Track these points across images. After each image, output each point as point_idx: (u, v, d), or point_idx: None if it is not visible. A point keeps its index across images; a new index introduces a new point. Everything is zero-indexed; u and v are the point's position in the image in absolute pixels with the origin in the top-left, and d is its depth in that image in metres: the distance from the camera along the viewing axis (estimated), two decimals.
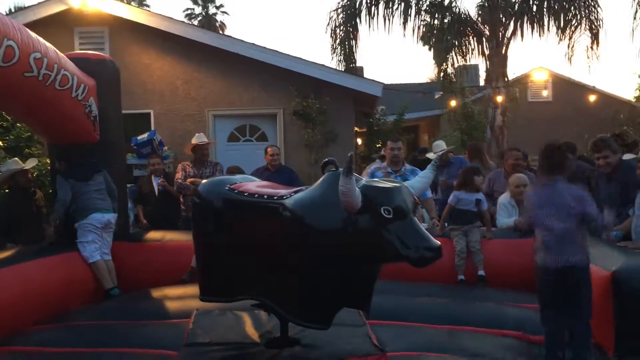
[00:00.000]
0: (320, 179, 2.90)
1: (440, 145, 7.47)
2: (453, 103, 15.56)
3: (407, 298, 4.33)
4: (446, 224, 5.11)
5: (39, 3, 8.97)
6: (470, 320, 3.87)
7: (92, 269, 4.80)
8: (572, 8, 11.33)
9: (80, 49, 8.43)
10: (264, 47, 9.22)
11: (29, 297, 3.99)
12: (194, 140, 6.63)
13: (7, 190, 5.45)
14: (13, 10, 15.73)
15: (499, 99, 11.74)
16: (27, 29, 3.98)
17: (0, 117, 6.47)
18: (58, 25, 8.82)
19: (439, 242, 2.61)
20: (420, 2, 11.81)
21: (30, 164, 5.62)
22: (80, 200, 4.85)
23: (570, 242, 3.22)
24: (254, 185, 3.29)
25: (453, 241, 4.91)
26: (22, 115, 5.19)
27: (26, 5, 9.71)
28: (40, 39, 4.11)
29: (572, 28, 11.45)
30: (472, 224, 4.98)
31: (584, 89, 19.40)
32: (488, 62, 12.15)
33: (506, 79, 12.10)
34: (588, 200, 3.27)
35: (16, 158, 5.64)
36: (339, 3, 11.89)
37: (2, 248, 4.83)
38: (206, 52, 9.15)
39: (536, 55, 60.05)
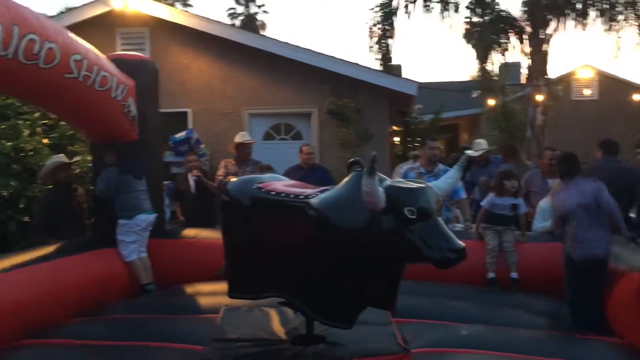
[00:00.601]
0: (345, 179, 2.91)
1: (481, 144, 7.29)
2: (491, 102, 15.28)
3: (436, 298, 4.30)
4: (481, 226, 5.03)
5: (83, 5, 9.27)
6: (496, 319, 3.83)
7: (129, 267, 4.95)
8: (618, 3, 11.00)
9: (122, 50, 8.68)
10: (299, 46, 9.28)
11: (67, 291, 4.14)
12: (237, 139, 6.71)
13: (50, 187, 5.63)
14: (64, 11, 16.25)
15: (540, 97, 11.49)
16: (68, 31, 4.11)
17: (45, 115, 6.69)
18: (101, 27, 9.08)
19: (463, 244, 2.58)
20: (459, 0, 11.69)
21: (73, 159, 5.82)
22: (130, 198, 4.99)
23: (588, 235, 3.90)
24: (281, 184, 3.32)
25: (485, 239, 4.84)
26: (64, 115, 5.36)
27: (76, 6, 10.02)
28: (81, 40, 4.24)
29: (619, 24, 11.12)
30: (507, 226, 4.90)
31: (630, 86, 18.77)
32: (529, 60, 11.92)
33: (547, 78, 11.83)
34: (603, 192, 3.92)
35: (61, 155, 5.83)
36: (376, 1, 11.89)
37: (45, 243, 5.00)
38: (242, 51, 9.27)
39: (580, 53, 58.39)
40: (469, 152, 7.68)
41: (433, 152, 5.55)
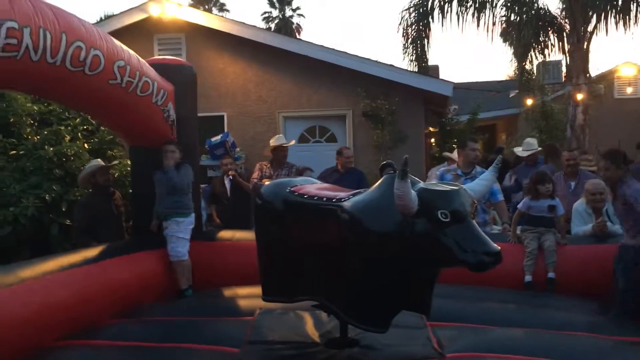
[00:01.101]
0: (378, 182, 2.90)
1: (532, 144, 7.18)
2: (529, 102, 14.95)
3: (472, 302, 4.24)
4: (518, 229, 4.93)
5: (122, 12, 9.49)
6: (534, 323, 3.76)
7: (177, 267, 5.00)
8: None
9: (159, 54, 8.85)
10: (333, 49, 9.28)
11: (106, 293, 4.23)
12: (273, 142, 6.72)
13: (90, 191, 5.77)
14: (103, 18, 16.70)
15: (580, 96, 11.18)
16: (112, 38, 4.19)
17: (86, 121, 6.87)
18: (139, 33, 9.28)
19: (499, 247, 2.53)
20: None
21: (111, 163, 5.96)
22: (189, 197, 5.15)
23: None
24: (314, 187, 3.33)
25: (524, 242, 4.74)
26: (106, 120, 5.48)
27: (114, 13, 10.28)
28: (124, 46, 4.31)
29: None
30: (548, 229, 4.79)
31: None
32: (569, 59, 11.62)
33: (588, 76, 11.50)
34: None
35: (99, 159, 5.97)
36: (410, 2, 11.77)
37: (86, 246, 5.11)
38: (277, 54, 9.33)
39: (622, 50, 56.71)
40: (517, 150, 7.54)
41: (474, 154, 5.45)
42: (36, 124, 6.73)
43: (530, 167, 6.62)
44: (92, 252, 4.64)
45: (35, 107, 6.74)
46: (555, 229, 4.82)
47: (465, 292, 4.43)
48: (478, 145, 5.56)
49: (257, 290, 3.90)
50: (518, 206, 5.00)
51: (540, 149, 7.23)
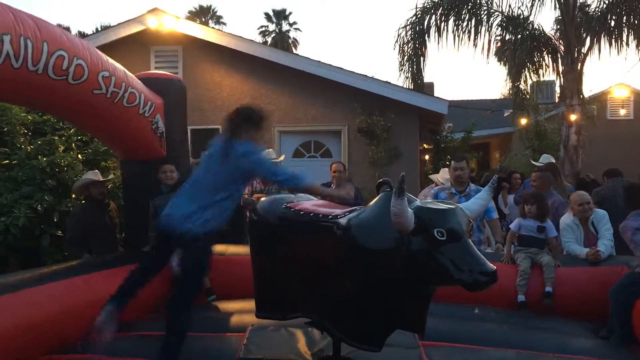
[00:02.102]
0: (374, 200, 2.88)
1: (543, 159, 7.31)
2: (523, 121, 15.05)
3: (465, 321, 4.21)
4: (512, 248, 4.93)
5: (119, 24, 9.52)
6: (528, 345, 3.73)
7: None
8: None
9: (156, 67, 8.87)
10: (330, 65, 9.33)
11: (96, 306, 4.17)
12: None
13: (83, 202, 5.72)
14: (100, 29, 16.76)
15: (573, 117, 11.27)
16: (97, 49, 4.20)
17: (80, 132, 6.84)
18: (136, 45, 9.30)
19: (494, 267, 2.52)
20: (492, 19, 11.60)
21: (106, 176, 5.92)
22: None
23: None
24: (310, 204, 3.31)
25: (517, 261, 4.73)
26: (93, 131, 5.48)
27: (111, 25, 10.30)
28: (109, 59, 4.33)
29: None
30: (540, 250, 4.77)
31: None
32: (562, 79, 11.72)
33: (582, 97, 11.60)
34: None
35: (96, 170, 5.93)
36: (407, 20, 11.88)
37: (77, 257, 5.07)
38: (273, 69, 9.37)
39: (615, 72, 57.31)
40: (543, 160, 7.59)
41: (457, 174, 5.28)
42: (30, 133, 6.70)
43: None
44: (82, 263, 4.60)
45: (29, 117, 6.70)
46: (549, 250, 4.81)
47: (458, 310, 4.40)
48: (463, 164, 5.34)
49: (249, 305, 3.87)
50: (510, 226, 5.02)
51: (541, 163, 7.28)
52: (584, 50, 11.26)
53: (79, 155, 6.51)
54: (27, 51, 3.35)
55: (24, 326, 3.46)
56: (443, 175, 6.49)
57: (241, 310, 4.42)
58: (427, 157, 14.35)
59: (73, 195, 5.90)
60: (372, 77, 9.42)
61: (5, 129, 6.39)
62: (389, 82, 9.63)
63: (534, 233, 4.79)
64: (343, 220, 2.88)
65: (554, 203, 5.57)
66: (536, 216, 4.82)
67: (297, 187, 3.29)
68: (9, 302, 3.47)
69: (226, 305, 4.72)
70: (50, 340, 3.67)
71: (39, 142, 6.31)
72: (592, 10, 11.19)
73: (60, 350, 3.63)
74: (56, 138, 6.48)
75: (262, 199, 3.68)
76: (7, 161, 6.15)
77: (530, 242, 4.79)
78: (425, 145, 13.69)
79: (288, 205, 3.25)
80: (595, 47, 11.08)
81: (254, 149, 3.22)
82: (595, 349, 3.80)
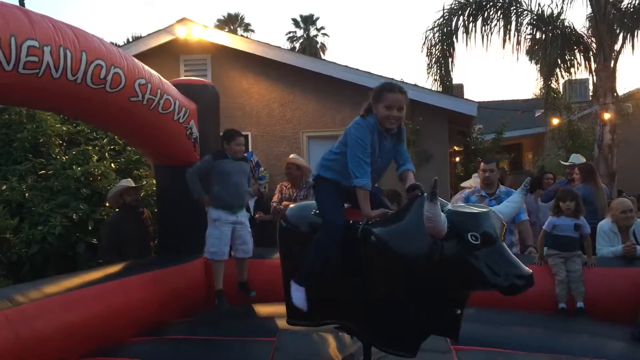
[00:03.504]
0: (405, 204, 2.85)
1: (573, 159, 7.22)
2: (555, 121, 14.76)
3: (497, 325, 4.14)
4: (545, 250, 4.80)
5: (149, 35, 9.68)
6: (565, 349, 3.65)
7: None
8: None
9: (185, 76, 8.99)
10: (357, 69, 9.31)
11: (130, 309, 4.24)
12: (288, 158, 6.64)
13: (117, 210, 5.83)
14: (131, 40, 17.09)
15: (607, 115, 11.01)
16: (133, 58, 4.27)
17: (113, 141, 6.97)
18: (166, 54, 9.44)
19: (531, 270, 2.47)
20: (521, 18, 11.44)
21: (139, 184, 6.03)
22: None
23: None
24: None
25: (552, 269, 4.60)
26: (129, 137, 5.57)
27: (142, 35, 10.49)
28: (145, 66, 4.40)
29: None
30: (572, 251, 4.61)
31: None
32: (595, 77, 11.47)
33: (615, 95, 11.33)
34: None
35: (129, 178, 6.03)
36: (435, 22, 11.80)
37: (113, 263, 5.15)
38: (301, 75, 9.39)
39: None
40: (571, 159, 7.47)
41: (485, 175, 5.20)
42: (64, 144, 6.86)
43: (564, 183, 6.64)
44: (117, 268, 4.67)
45: (64, 128, 6.87)
46: (582, 250, 4.67)
47: (490, 315, 4.33)
48: (493, 165, 5.25)
49: (280, 309, 3.88)
50: (543, 226, 4.87)
51: (571, 163, 7.16)
52: (617, 47, 11.02)
53: (112, 165, 6.64)
54: (67, 61, 3.42)
55: (60, 328, 3.53)
56: (474, 181, 6.41)
57: (272, 315, 4.42)
58: (457, 159, 14.19)
59: (107, 204, 6.01)
60: (400, 80, 9.36)
61: (41, 140, 6.56)
62: (417, 85, 9.58)
63: (570, 232, 4.62)
64: (375, 226, 2.86)
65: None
66: (574, 213, 4.67)
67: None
68: (46, 305, 3.54)
69: (257, 309, 4.74)
70: (87, 341, 3.73)
71: (74, 152, 6.45)
72: (625, 5, 10.95)
73: (97, 353, 3.68)
74: (90, 148, 6.62)
75: (291, 205, 3.67)
76: (44, 171, 6.31)
77: (566, 243, 4.62)
78: (455, 148, 13.54)
79: (317, 211, 3.24)
80: (629, 44, 10.84)
81: None
82: (631, 353, 3.68)
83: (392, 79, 9.30)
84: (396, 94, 3.06)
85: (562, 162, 7.67)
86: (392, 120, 3.07)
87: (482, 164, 5.40)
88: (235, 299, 4.89)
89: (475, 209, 2.62)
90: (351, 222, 3.01)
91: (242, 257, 4.91)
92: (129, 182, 5.75)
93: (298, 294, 3.09)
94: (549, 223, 4.73)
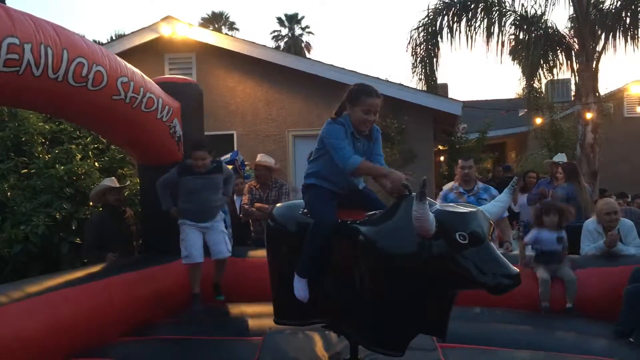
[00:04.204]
0: (394, 203, 2.86)
1: (564, 159, 7.39)
2: (538, 120, 14.92)
3: (483, 323, 4.18)
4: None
5: (133, 32, 9.60)
6: (550, 346, 3.69)
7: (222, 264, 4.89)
8: None
9: (170, 74, 8.92)
10: (342, 68, 9.33)
11: (114, 309, 4.21)
12: (257, 159, 6.57)
13: (100, 209, 5.76)
14: (114, 38, 16.94)
15: (589, 115, 11.16)
16: (115, 55, 4.22)
17: (96, 140, 6.89)
18: (150, 53, 9.38)
19: (518, 269, 2.49)
20: (505, 18, 11.54)
21: (123, 184, 5.96)
22: None
23: None
24: None
25: (537, 272, 4.63)
26: (112, 136, 5.52)
27: (126, 33, 10.40)
28: (128, 64, 4.36)
29: None
30: (559, 263, 4.64)
31: None
32: (577, 77, 11.62)
33: (597, 94, 11.48)
34: None
35: (112, 177, 5.96)
36: (419, 21, 11.86)
37: (97, 260, 5.08)
38: (286, 74, 9.38)
39: (631, 69, 56.58)
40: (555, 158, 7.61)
41: (464, 172, 5.34)
42: (47, 142, 6.76)
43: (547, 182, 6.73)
44: (99, 268, 4.63)
45: (46, 126, 6.77)
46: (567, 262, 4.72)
47: (475, 313, 4.37)
48: (470, 162, 5.42)
49: (267, 308, 3.87)
50: (525, 239, 4.89)
51: (553, 161, 7.27)
52: (599, 47, 11.17)
53: (96, 164, 6.56)
54: (48, 59, 3.38)
55: (44, 328, 3.50)
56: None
57: (259, 314, 4.42)
58: (442, 158, 14.28)
59: (90, 203, 5.94)
60: (385, 80, 9.39)
61: (23, 138, 6.45)
62: (402, 84, 9.62)
63: (554, 245, 4.65)
64: (363, 225, 2.86)
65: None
66: (557, 227, 4.70)
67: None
68: (31, 306, 3.49)
69: (244, 309, 4.72)
70: (71, 342, 3.69)
71: (57, 151, 6.36)
72: (607, 7, 11.10)
73: (82, 354, 3.65)
74: (73, 147, 6.53)
75: (278, 205, 3.66)
76: (26, 170, 6.22)
77: (550, 257, 4.66)
78: (440, 147, 13.63)
79: (305, 211, 3.23)
80: (610, 44, 10.98)
81: None
82: (614, 349, 3.74)
83: (378, 78, 9.35)
84: (374, 99, 3.05)
85: (548, 161, 7.78)
86: (367, 124, 3.08)
87: (460, 161, 5.53)
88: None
89: (463, 209, 2.63)
90: (340, 221, 3.01)
91: (217, 258, 4.81)
92: (112, 182, 5.69)
93: (300, 285, 3.08)
94: (532, 237, 4.76)
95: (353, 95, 3.07)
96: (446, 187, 5.70)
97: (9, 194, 5.91)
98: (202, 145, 4.73)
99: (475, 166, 5.63)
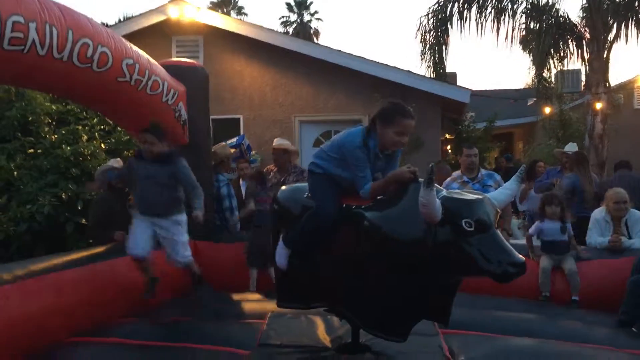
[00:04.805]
0: (400, 189, 2.84)
1: (574, 149, 7.29)
2: (547, 110, 14.80)
3: (485, 310, 4.18)
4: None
5: (141, 14, 9.55)
6: (551, 335, 3.69)
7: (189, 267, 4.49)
8: None
9: (177, 57, 8.86)
10: (350, 54, 9.26)
11: (115, 291, 4.23)
12: (274, 143, 6.51)
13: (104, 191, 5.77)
14: (122, 20, 16.84)
15: (599, 105, 11.04)
16: (121, 37, 4.20)
17: (103, 121, 6.89)
18: (157, 35, 9.33)
19: (523, 258, 2.48)
20: (515, 6, 11.39)
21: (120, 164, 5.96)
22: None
23: None
24: None
25: (539, 259, 4.64)
26: (117, 118, 5.50)
27: (133, 15, 10.35)
28: (133, 46, 4.33)
29: None
30: (563, 254, 4.65)
31: None
32: (588, 67, 11.49)
33: (608, 85, 11.35)
34: None
35: (118, 158, 5.96)
36: (429, 8, 11.71)
37: (103, 239, 5.05)
38: (294, 58, 9.33)
39: None
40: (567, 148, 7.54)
41: (470, 160, 5.45)
42: (54, 123, 6.77)
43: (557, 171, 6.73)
44: (102, 249, 4.64)
45: (53, 107, 6.78)
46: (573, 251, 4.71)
47: (478, 300, 4.37)
48: (475, 151, 5.56)
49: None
50: (529, 231, 4.90)
51: (563, 150, 7.21)
52: (611, 37, 11.00)
53: (102, 145, 6.57)
54: (53, 39, 3.35)
55: (47, 308, 3.53)
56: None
57: (262, 299, 4.43)
58: (448, 147, 14.21)
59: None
60: (393, 66, 9.32)
61: (30, 118, 6.47)
62: (410, 71, 9.54)
63: (557, 235, 4.65)
64: (368, 210, 2.85)
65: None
66: (560, 217, 4.69)
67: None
68: (32, 285, 3.51)
69: (247, 294, 4.74)
70: (74, 322, 3.72)
71: (63, 132, 6.37)
72: None
73: (83, 334, 3.67)
74: (80, 127, 6.54)
75: (283, 187, 3.64)
76: (32, 150, 6.24)
77: (554, 248, 4.67)
78: (447, 135, 13.56)
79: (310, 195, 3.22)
80: (622, 34, 10.82)
81: None
82: (616, 337, 3.74)
83: (385, 64, 9.28)
84: (409, 120, 2.91)
85: (558, 150, 7.70)
86: (398, 146, 2.98)
87: (465, 149, 5.64)
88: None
89: (469, 196, 2.62)
90: (344, 205, 3.00)
91: (168, 262, 4.36)
92: (117, 162, 5.68)
93: (282, 252, 3.10)
94: (536, 228, 4.77)
95: (387, 115, 2.91)
96: (449, 178, 5.70)
97: (15, 173, 5.93)
98: (150, 128, 4.21)
99: (478, 155, 5.72)
